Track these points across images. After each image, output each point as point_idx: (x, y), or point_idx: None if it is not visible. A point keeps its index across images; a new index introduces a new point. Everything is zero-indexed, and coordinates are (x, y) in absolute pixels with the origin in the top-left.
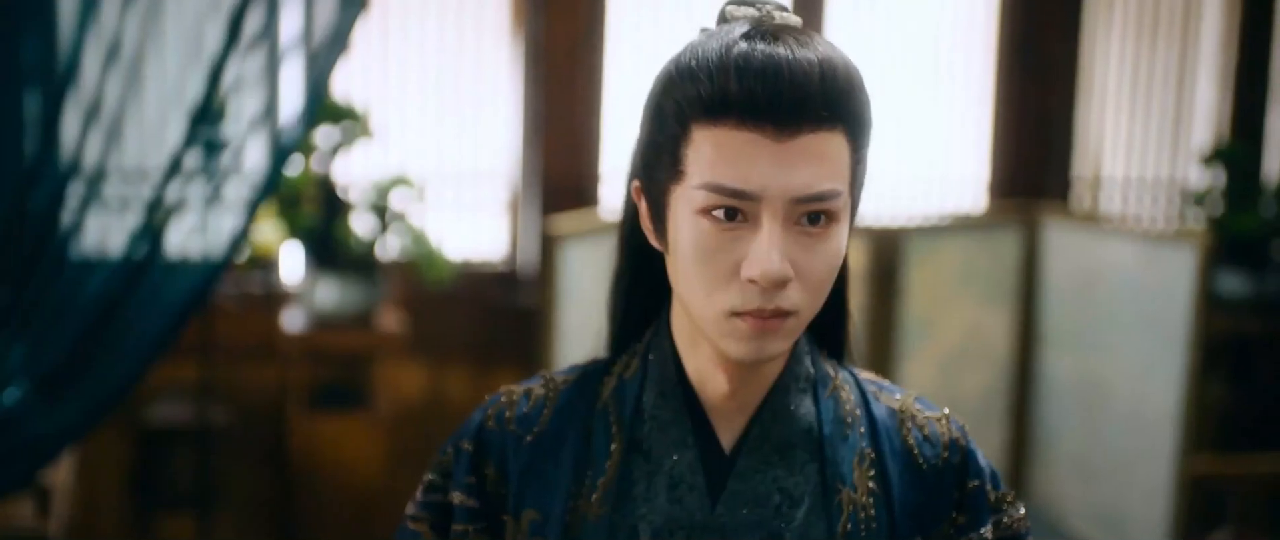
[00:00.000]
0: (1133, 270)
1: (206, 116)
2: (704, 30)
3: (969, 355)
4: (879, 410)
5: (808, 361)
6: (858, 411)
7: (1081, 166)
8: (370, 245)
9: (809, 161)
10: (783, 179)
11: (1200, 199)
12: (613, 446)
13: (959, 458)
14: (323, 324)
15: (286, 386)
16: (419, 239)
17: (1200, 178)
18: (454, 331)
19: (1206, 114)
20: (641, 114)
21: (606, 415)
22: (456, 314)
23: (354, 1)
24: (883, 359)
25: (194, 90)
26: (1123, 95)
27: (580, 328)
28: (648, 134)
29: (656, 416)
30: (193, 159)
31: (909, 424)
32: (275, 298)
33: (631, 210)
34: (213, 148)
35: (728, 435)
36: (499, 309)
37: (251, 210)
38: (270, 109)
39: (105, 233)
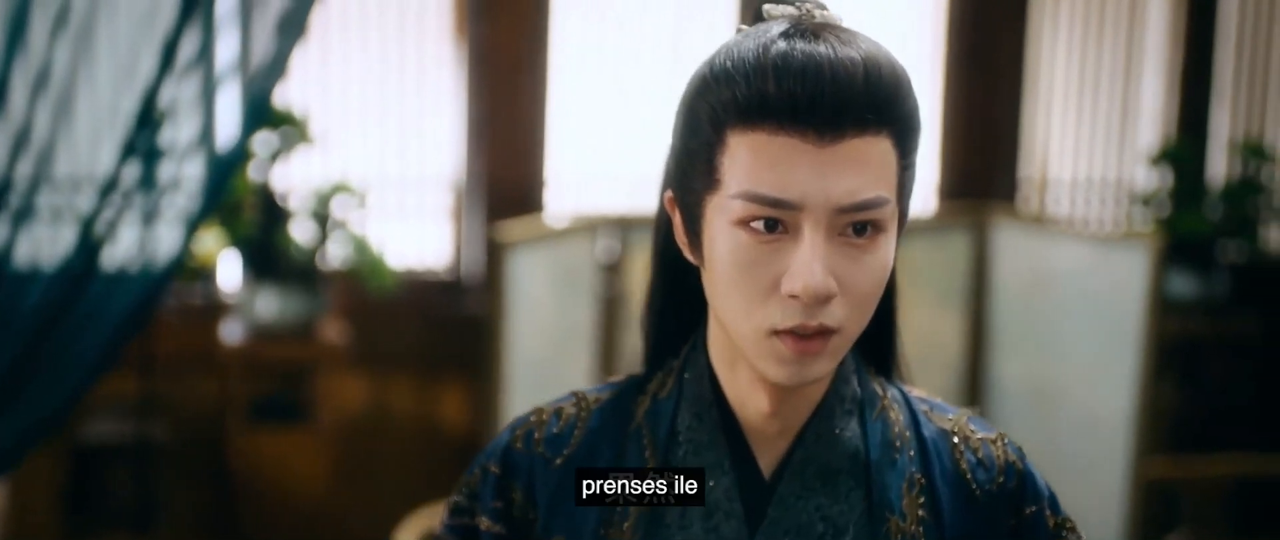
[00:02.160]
0: (1084, 272)
1: (140, 142)
2: (741, 30)
3: (920, 359)
4: (929, 431)
5: (855, 381)
6: (908, 434)
7: (1028, 167)
8: (311, 254)
9: (854, 168)
10: (825, 187)
11: (1148, 200)
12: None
13: (1015, 482)
14: (263, 335)
15: (226, 400)
16: (361, 247)
17: (1146, 178)
18: (398, 341)
19: (1152, 114)
20: (674, 120)
21: (640, 437)
22: (400, 323)
23: (292, 28)
24: None
25: (128, 115)
26: (1069, 96)
27: (529, 336)
28: (681, 141)
29: (692, 439)
30: (129, 178)
31: (962, 446)
32: (214, 308)
33: (665, 222)
34: (150, 169)
35: (768, 460)
36: (443, 318)
37: (190, 229)
38: (206, 133)
39: (38, 247)
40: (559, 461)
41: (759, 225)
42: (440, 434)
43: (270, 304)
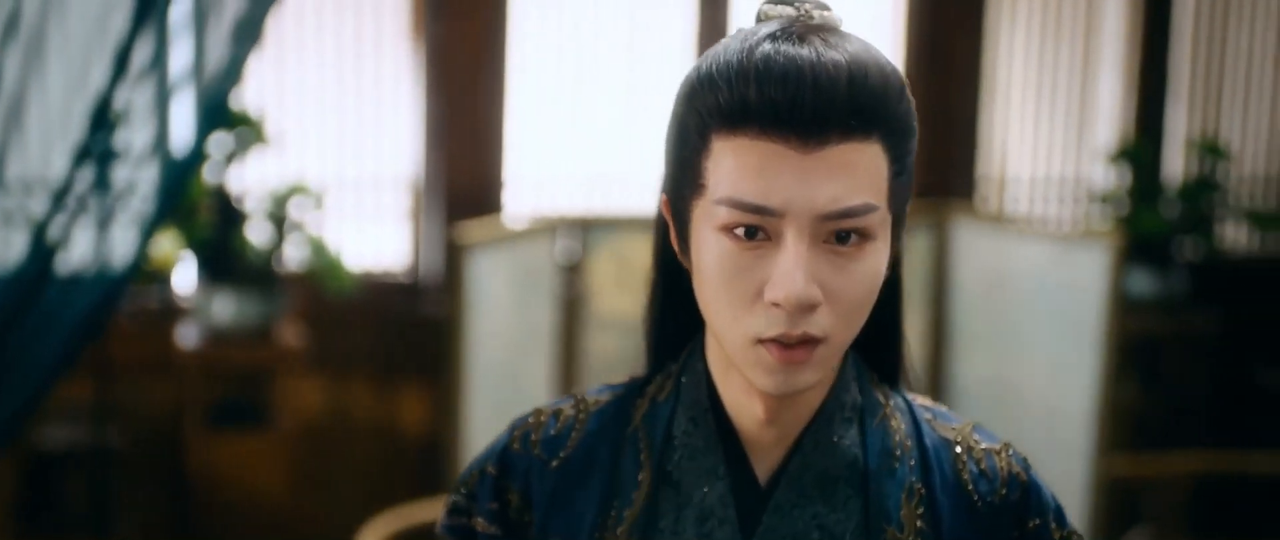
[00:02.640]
0: (1044, 271)
1: (93, 146)
2: (739, 31)
3: None
4: (931, 441)
5: (854, 388)
6: (908, 442)
7: (987, 166)
8: (268, 256)
9: (838, 174)
10: (808, 194)
11: (1106, 198)
12: (641, 476)
13: (1018, 494)
14: (220, 339)
15: (183, 404)
16: (319, 249)
17: (1103, 176)
18: (356, 344)
19: (1109, 113)
20: (666, 124)
21: (636, 441)
22: (358, 326)
23: (248, 34)
24: None
25: (80, 120)
26: (1027, 95)
27: (489, 338)
28: (671, 145)
29: (687, 444)
30: (83, 182)
31: (964, 456)
32: (170, 312)
33: (663, 225)
34: (104, 173)
35: (764, 467)
36: (402, 320)
37: (146, 234)
38: (161, 138)
39: None
40: (556, 463)
41: (741, 232)
42: (400, 437)
43: (227, 307)
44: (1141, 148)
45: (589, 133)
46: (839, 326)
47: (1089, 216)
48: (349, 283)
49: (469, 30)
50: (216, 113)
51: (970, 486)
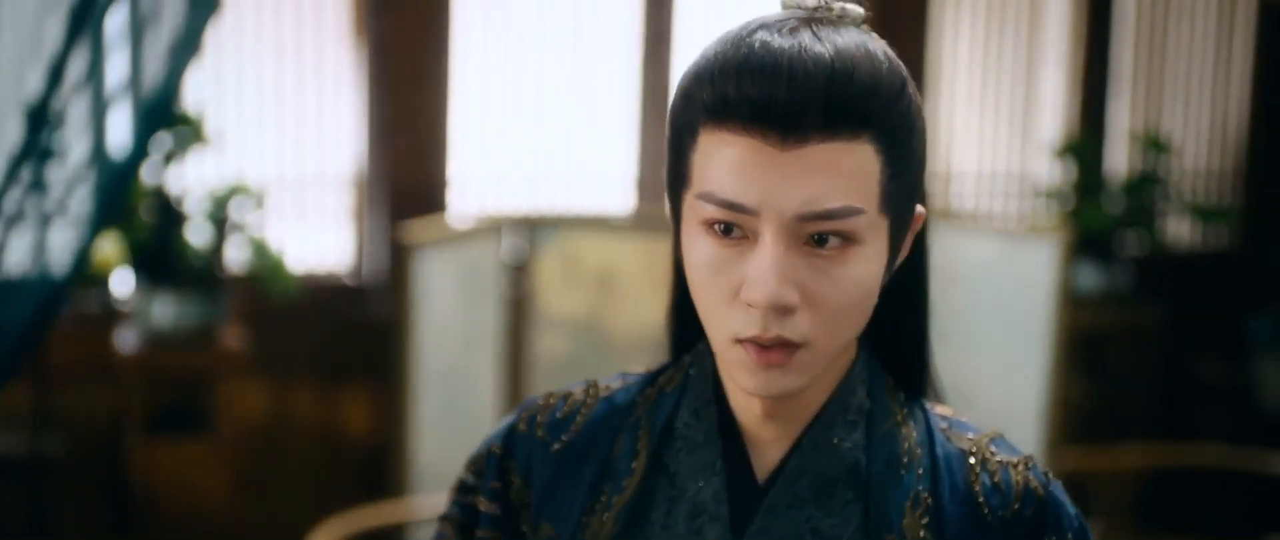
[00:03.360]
0: (992, 267)
1: (29, 156)
2: (746, 21)
3: None
4: (945, 451)
5: (861, 391)
6: (919, 451)
7: (931, 161)
8: (209, 258)
9: (817, 175)
10: (783, 193)
11: (1052, 194)
12: (635, 463)
13: (1033, 510)
14: (160, 343)
15: (122, 411)
16: (260, 250)
17: (1047, 171)
18: (299, 347)
19: (1053, 108)
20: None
21: (637, 429)
22: (301, 329)
23: (186, 48)
24: None
25: (13, 134)
26: (971, 90)
27: (437, 339)
28: (668, 138)
29: (687, 437)
30: (19, 190)
31: (979, 468)
32: (109, 316)
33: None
34: (41, 181)
35: (764, 465)
36: (346, 322)
37: (86, 240)
38: (98, 152)
39: None
40: (557, 446)
41: (721, 229)
42: (344, 442)
43: (167, 310)
44: (1085, 143)
45: (534, 131)
46: (821, 332)
47: (1035, 212)
48: (292, 285)
49: (412, 26)
50: (155, 121)
51: (981, 499)
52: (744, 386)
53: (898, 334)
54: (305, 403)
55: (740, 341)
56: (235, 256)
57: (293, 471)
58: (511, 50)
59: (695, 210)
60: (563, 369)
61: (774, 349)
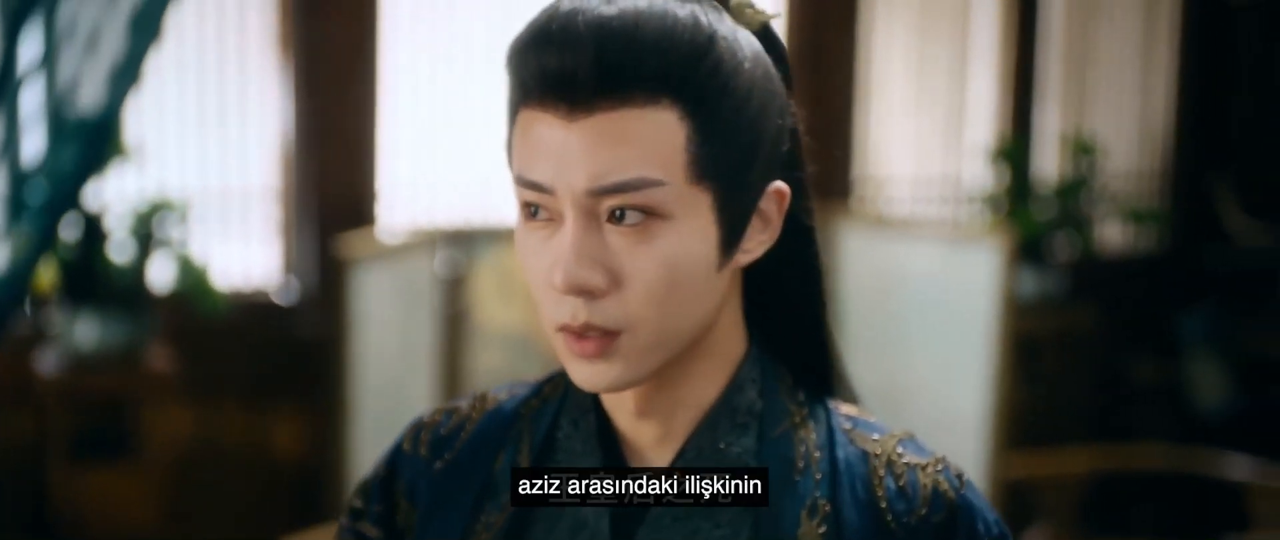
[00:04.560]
0: (933, 272)
1: None
2: None
3: None
4: (847, 453)
5: (753, 391)
6: (818, 454)
7: (863, 167)
8: (133, 276)
9: (604, 145)
10: (573, 168)
11: (987, 198)
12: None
13: (943, 515)
14: (83, 365)
15: (44, 436)
16: (186, 267)
17: (977, 176)
18: (227, 367)
19: (984, 112)
20: None
21: (519, 441)
22: (228, 348)
23: (125, 76)
24: None
25: None
26: (902, 94)
27: (374, 357)
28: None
29: (567, 447)
30: None
31: (882, 472)
32: (28, 337)
33: None
34: None
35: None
36: (275, 340)
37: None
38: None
39: None
40: (439, 465)
41: (531, 211)
42: (274, 466)
43: (90, 331)
44: (1016, 147)
45: (466, 140)
46: (640, 316)
47: (971, 216)
48: (221, 303)
49: (339, 34)
50: (96, 148)
51: (885, 504)
52: (574, 380)
53: (791, 327)
54: (234, 425)
55: (560, 329)
56: (160, 274)
57: (222, 496)
58: (441, 59)
59: (515, 195)
60: (500, 383)
61: (590, 338)
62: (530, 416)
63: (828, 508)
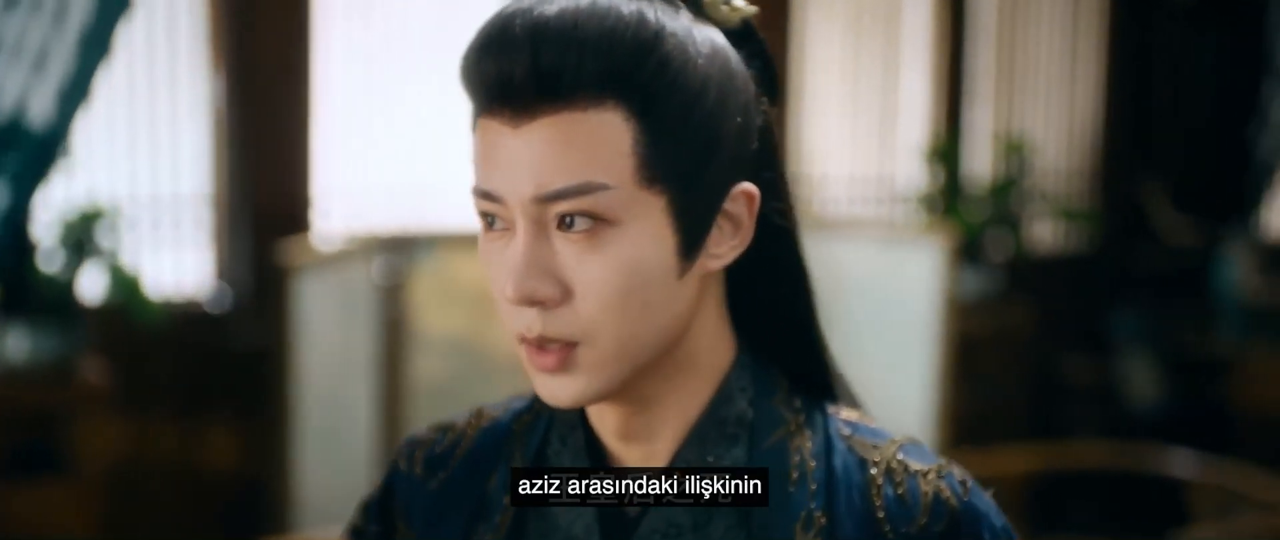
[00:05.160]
0: (873, 273)
1: None
2: None
3: None
4: (845, 462)
5: (742, 401)
6: (813, 464)
7: (798, 166)
8: (65, 286)
9: (550, 150)
10: (518, 175)
11: (923, 198)
12: (505, 497)
13: (944, 525)
14: (13, 378)
15: None
16: (119, 276)
17: (910, 176)
18: (160, 379)
19: (917, 111)
20: None
21: (510, 458)
22: (162, 359)
23: (75, 94)
24: None
25: None
26: (835, 93)
27: (313, 367)
28: None
29: (556, 463)
30: None
31: (882, 481)
32: None
33: None
34: None
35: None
36: (209, 351)
37: None
38: None
39: None
40: (434, 484)
41: (488, 222)
42: (210, 479)
43: (21, 343)
44: (950, 146)
45: (401, 145)
46: (597, 326)
47: (906, 216)
48: (157, 313)
49: (272, 37)
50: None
51: (881, 514)
52: (540, 395)
53: (780, 333)
54: (168, 438)
55: (520, 343)
56: (91, 284)
57: (156, 511)
58: (376, 63)
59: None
60: (442, 393)
61: (549, 351)
62: (522, 432)
63: (824, 520)
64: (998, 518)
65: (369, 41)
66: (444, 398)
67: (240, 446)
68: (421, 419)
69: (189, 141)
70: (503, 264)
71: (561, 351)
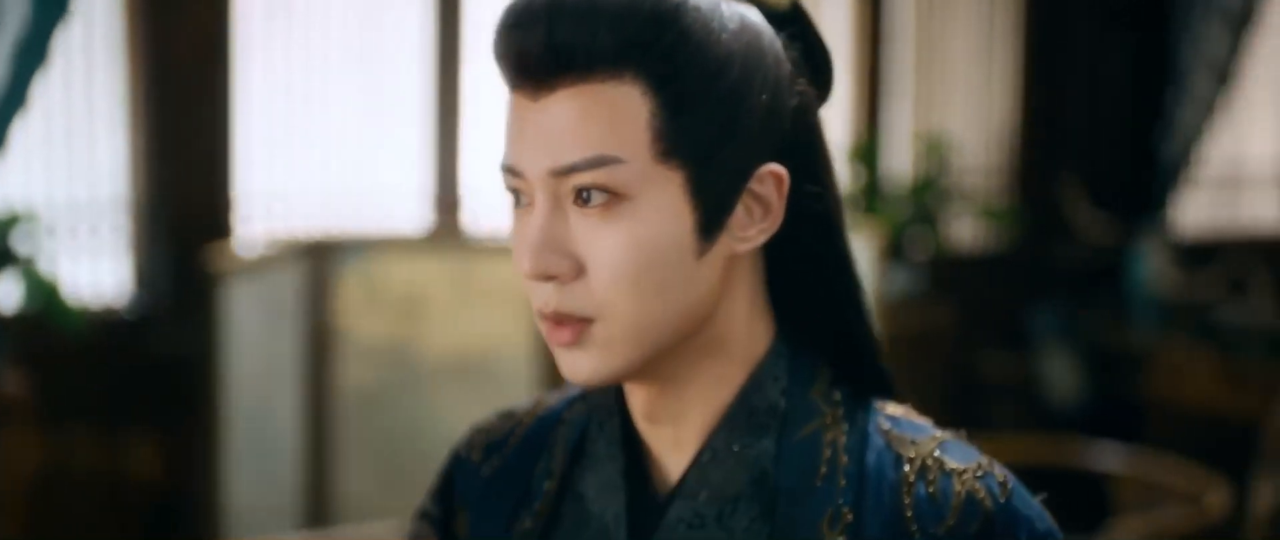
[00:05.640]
0: None
1: None
2: None
3: None
4: (879, 458)
5: (773, 390)
6: (845, 458)
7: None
8: None
9: (563, 124)
10: (536, 149)
11: (847, 198)
12: (547, 485)
13: (977, 526)
14: None
15: None
16: (38, 285)
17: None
18: (79, 390)
19: (838, 111)
20: None
21: (553, 448)
22: (80, 369)
23: (12, 102)
24: (556, 376)
25: None
26: None
27: (239, 374)
28: None
29: (593, 452)
30: None
31: (913, 476)
32: None
33: None
34: None
35: (666, 479)
36: (130, 360)
37: None
38: None
39: None
40: (487, 470)
41: (515, 198)
42: (130, 490)
43: None
44: (871, 145)
45: (323, 148)
46: (610, 303)
47: None
48: (77, 321)
49: (189, 40)
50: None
51: (909, 513)
52: (561, 371)
53: (821, 324)
54: (89, 449)
55: (541, 319)
56: (8, 293)
57: (78, 524)
58: (297, 66)
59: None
60: (369, 399)
61: (565, 326)
62: (571, 420)
63: (850, 517)
64: (1042, 522)
65: (289, 43)
66: (371, 404)
67: (163, 456)
68: (349, 426)
69: (107, 146)
70: (522, 238)
71: (576, 327)
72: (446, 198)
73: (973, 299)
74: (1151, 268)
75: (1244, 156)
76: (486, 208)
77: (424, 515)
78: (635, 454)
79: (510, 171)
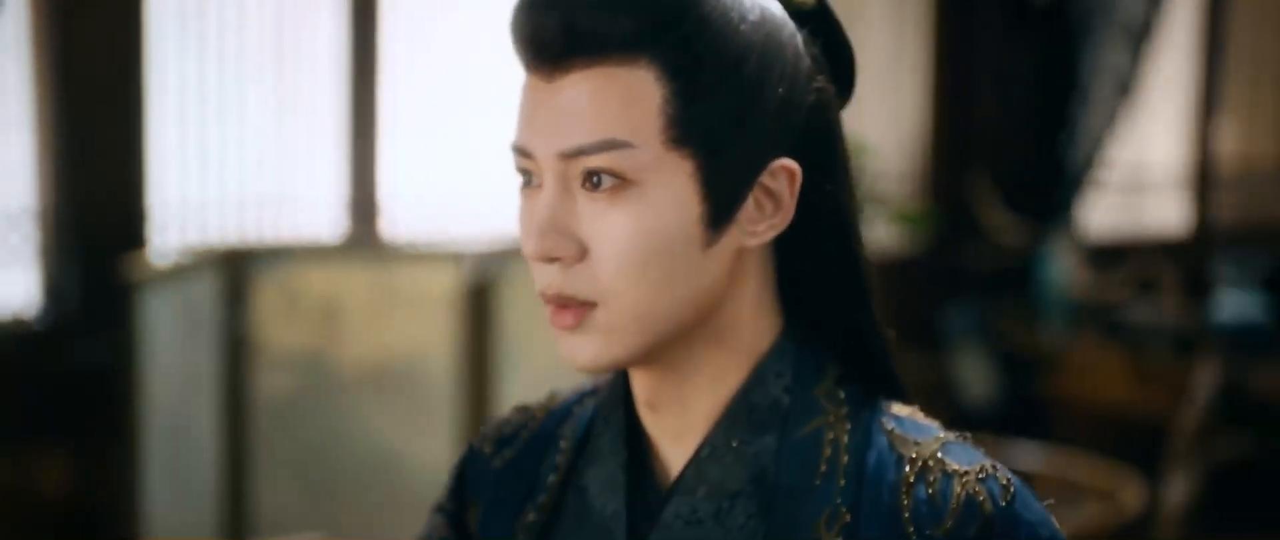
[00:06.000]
0: None
1: None
2: None
3: (566, 377)
4: (880, 460)
5: (776, 387)
6: (846, 458)
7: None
8: None
9: (573, 107)
10: (546, 130)
11: None
12: (552, 479)
13: (975, 530)
14: None
15: None
16: None
17: None
18: None
19: None
20: None
21: (559, 443)
22: None
23: None
24: (478, 384)
25: None
26: None
27: (156, 385)
28: None
29: (597, 446)
30: None
31: (913, 477)
32: None
33: None
34: None
35: (667, 475)
36: (40, 372)
37: None
38: None
39: None
40: (498, 463)
41: (525, 180)
42: (41, 507)
43: None
44: None
45: (242, 156)
46: (612, 289)
47: None
48: None
49: (99, 44)
50: None
51: (906, 514)
52: (562, 355)
53: (830, 322)
54: None
55: (544, 301)
56: None
57: None
58: (211, 72)
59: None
60: (288, 409)
61: (567, 309)
62: (580, 414)
63: (848, 517)
64: (1045, 528)
65: (203, 49)
66: (290, 414)
67: (76, 470)
68: (268, 436)
69: (14, 154)
70: (529, 219)
71: (578, 310)
72: (364, 205)
73: (887, 301)
74: (1061, 269)
75: (1147, 162)
76: (405, 214)
77: (438, 509)
78: (639, 447)
79: (520, 152)
